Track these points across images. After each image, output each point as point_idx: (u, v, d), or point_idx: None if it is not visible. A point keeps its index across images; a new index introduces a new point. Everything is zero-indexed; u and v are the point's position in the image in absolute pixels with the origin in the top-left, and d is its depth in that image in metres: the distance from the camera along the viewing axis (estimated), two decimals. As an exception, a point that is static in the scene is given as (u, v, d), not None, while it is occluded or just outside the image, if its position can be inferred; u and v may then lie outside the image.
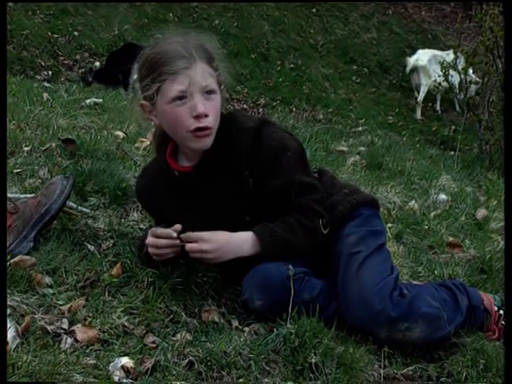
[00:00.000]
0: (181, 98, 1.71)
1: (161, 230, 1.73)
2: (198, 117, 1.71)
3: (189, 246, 1.70)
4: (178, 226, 1.71)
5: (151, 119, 1.81)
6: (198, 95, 1.71)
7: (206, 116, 1.72)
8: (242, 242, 1.73)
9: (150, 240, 1.74)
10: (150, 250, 1.74)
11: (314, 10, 11.46)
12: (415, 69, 9.76)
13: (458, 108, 9.38)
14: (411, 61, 9.79)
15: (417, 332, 1.70)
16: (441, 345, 1.76)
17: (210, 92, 1.73)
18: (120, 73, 6.61)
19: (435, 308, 1.73)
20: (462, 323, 1.78)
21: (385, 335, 1.70)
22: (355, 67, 10.64)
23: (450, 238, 2.62)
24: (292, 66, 9.92)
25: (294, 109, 8.68)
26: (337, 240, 1.83)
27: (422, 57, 9.67)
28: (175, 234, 1.70)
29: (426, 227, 2.72)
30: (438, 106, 10.11)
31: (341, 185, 2.00)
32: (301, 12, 11.22)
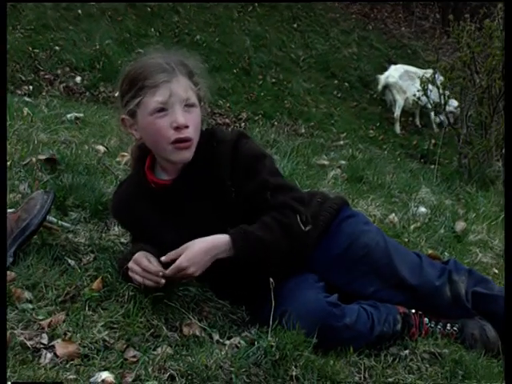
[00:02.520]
0: (161, 109, 1.73)
1: (146, 265, 1.72)
2: (178, 128, 1.73)
3: (169, 270, 1.70)
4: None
5: (132, 133, 1.83)
6: (178, 107, 1.74)
7: (187, 127, 1.74)
8: (218, 244, 1.72)
9: (135, 268, 1.73)
10: (133, 276, 1.73)
11: (295, 26, 11.55)
12: (387, 86, 9.88)
13: (435, 128, 9.50)
14: (382, 78, 9.91)
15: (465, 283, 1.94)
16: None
17: (190, 105, 1.76)
18: None
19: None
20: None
21: (449, 293, 1.92)
22: (336, 82, 10.72)
23: (430, 251, 2.65)
24: (274, 80, 9.97)
25: (275, 123, 8.71)
26: (346, 249, 1.90)
27: (393, 73, 9.78)
28: (161, 274, 1.70)
29: (406, 240, 2.74)
30: (417, 121, 10.21)
31: (308, 193, 2.07)
32: (282, 27, 11.31)
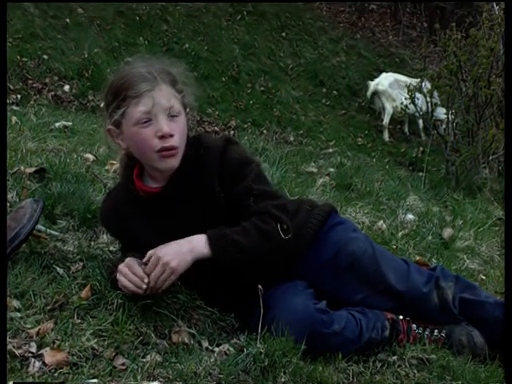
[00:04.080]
0: (145, 119, 1.74)
1: (137, 269, 1.71)
2: (163, 137, 1.74)
3: (154, 272, 1.69)
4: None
5: (118, 143, 1.83)
6: (162, 116, 1.74)
7: (171, 136, 1.75)
8: (194, 242, 1.72)
9: (123, 271, 1.72)
10: (120, 278, 1.72)
11: (283, 34, 11.61)
12: (376, 92, 9.94)
13: (423, 135, 9.57)
14: (372, 84, 9.98)
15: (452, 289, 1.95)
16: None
17: (174, 113, 1.77)
18: None
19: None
20: None
21: (437, 299, 1.92)
22: (325, 90, 10.77)
23: (417, 257, 2.67)
24: (262, 88, 10.01)
25: (264, 131, 8.74)
26: (334, 257, 1.89)
27: (383, 81, 9.85)
28: (145, 286, 1.69)
29: (394, 246, 2.76)
30: (406, 128, 10.27)
31: (296, 200, 2.06)
32: (270, 36, 11.36)
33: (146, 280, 1.69)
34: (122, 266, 1.73)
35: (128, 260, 1.75)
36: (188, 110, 1.85)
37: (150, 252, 1.72)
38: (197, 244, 1.72)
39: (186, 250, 1.71)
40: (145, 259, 1.73)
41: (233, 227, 1.75)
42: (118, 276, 1.73)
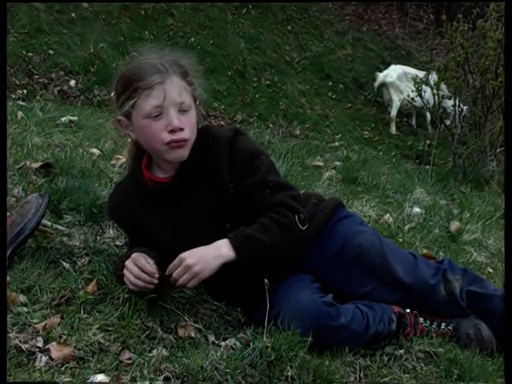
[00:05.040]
0: (156, 113, 1.74)
1: (143, 264, 1.70)
2: (172, 131, 1.74)
3: (175, 273, 1.69)
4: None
5: (128, 134, 1.83)
6: (172, 110, 1.74)
7: (182, 130, 1.75)
8: (219, 247, 1.72)
9: (130, 267, 1.71)
10: (127, 274, 1.72)
11: (289, 28, 11.57)
12: (384, 84, 9.89)
13: (430, 128, 9.52)
14: (380, 76, 9.92)
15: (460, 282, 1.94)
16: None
17: (185, 107, 1.76)
18: None
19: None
20: None
21: (444, 292, 1.91)
22: (331, 83, 10.74)
23: (425, 251, 2.66)
24: (268, 82, 9.98)
25: (270, 125, 8.73)
26: (341, 249, 1.89)
27: (392, 73, 9.78)
28: (157, 275, 1.69)
29: (401, 240, 2.75)
30: (413, 121, 10.22)
31: (303, 194, 2.06)
32: (276, 29, 11.32)
33: (156, 275, 1.69)
34: (128, 262, 1.73)
35: (134, 255, 1.74)
36: (198, 102, 1.84)
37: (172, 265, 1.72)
38: (222, 249, 1.71)
39: (211, 256, 1.70)
40: (166, 273, 1.72)
41: (252, 225, 1.75)
42: (125, 272, 1.72)
